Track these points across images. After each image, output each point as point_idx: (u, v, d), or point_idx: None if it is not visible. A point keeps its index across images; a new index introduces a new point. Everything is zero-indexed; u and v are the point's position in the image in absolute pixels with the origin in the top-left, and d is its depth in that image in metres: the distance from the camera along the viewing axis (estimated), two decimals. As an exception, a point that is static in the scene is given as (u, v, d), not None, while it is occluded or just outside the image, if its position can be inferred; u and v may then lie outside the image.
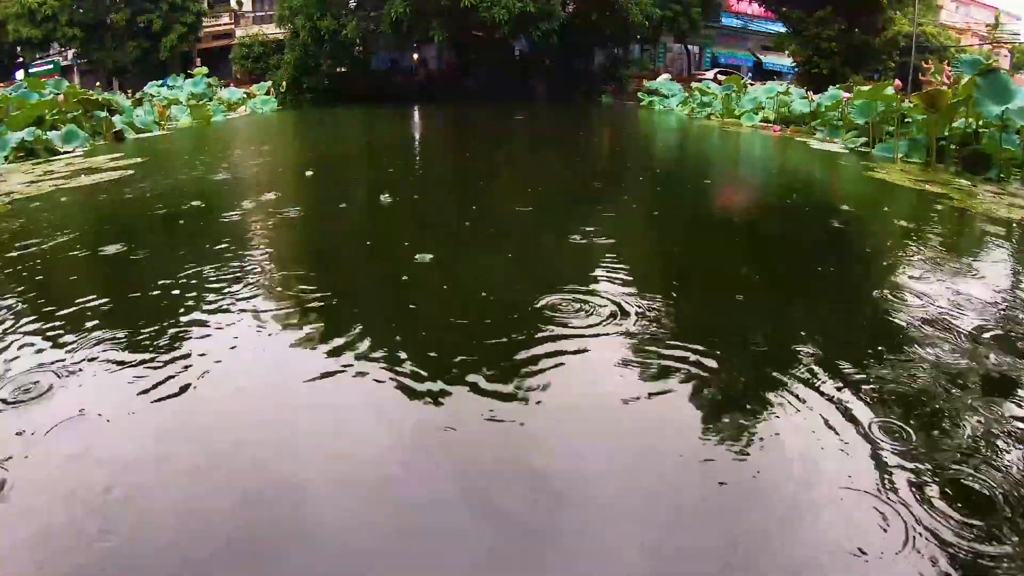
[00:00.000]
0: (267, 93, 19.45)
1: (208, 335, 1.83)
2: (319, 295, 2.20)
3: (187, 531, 1.06)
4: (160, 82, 17.37)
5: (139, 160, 6.39)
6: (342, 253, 2.98)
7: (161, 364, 1.62)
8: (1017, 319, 2.04)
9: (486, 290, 2.26)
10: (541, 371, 1.58)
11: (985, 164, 5.38)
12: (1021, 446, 1.28)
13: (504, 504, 1.12)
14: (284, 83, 21.78)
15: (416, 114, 16.22)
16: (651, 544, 1.03)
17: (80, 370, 1.60)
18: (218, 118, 13.52)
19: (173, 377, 1.56)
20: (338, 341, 1.75)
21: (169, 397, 1.47)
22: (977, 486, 1.15)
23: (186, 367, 1.61)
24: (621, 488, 1.17)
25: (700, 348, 1.71)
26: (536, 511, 1.10)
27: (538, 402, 1.45)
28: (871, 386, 1.51)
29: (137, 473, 1.20)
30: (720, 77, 19.77)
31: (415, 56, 27.03)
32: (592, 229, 3.13)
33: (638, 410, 1.44)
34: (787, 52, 24.28)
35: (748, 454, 1.26)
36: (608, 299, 2.08)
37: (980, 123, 5.67)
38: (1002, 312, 2.09)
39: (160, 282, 2.32)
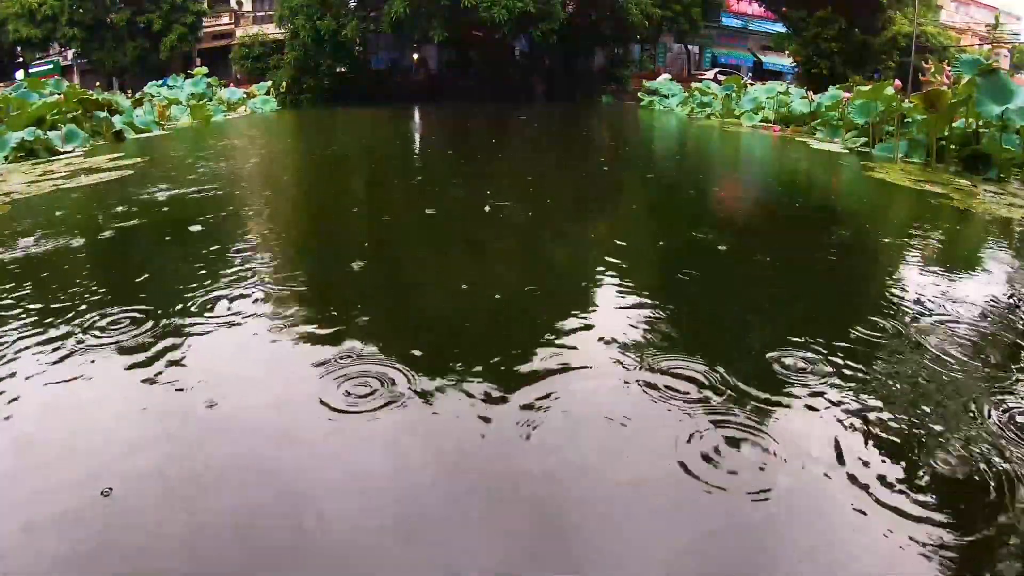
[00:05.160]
0: (267, 93, 19.46)
1: (208, 332, 1.83)
2: (328, 301, 2.20)
3: (179, 536, 1.05)
4: (160, 82, 17.39)
5: (139, 160, 6.39)
6: (347, 254, 2.98)
7: (160, 360, 1.62)
8: (1016, 319, 2.04)
9: (499, 291, 2.26)
10: (542, 364, 1.58)
11: (985, 164, 5.38)
12: (1019, 449, 1.28)
13: (512, 512, 1.11)
14: (284, 83, 21.79)
15: (417, 114, 16.22)
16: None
17: (78, 366, 1.60)
18: (218, 118, 13.51)
19: (170, 374, 1.56)
20: (339, 339, 1.75)
21: (166, 395, 1.47)
22: (981, 492, 1.15)
23: (182, 366, 1.61)
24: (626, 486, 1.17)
25: (700, 347, 1.72)
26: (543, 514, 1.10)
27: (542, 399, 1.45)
28: (872, 387, 1.51)
29: (132, 470, 1.20)
30: (720, 77, 19.78)
31: (415, 56, 27.03)
32: (601, 229, 3.13)
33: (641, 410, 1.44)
34: (787, 52, 24.30)
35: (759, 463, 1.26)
36: (610, 300, 2.08)
37: (980, 123, 5.67)
38: (1001, 312, 2.09)
39: (159, 282, 2.32)
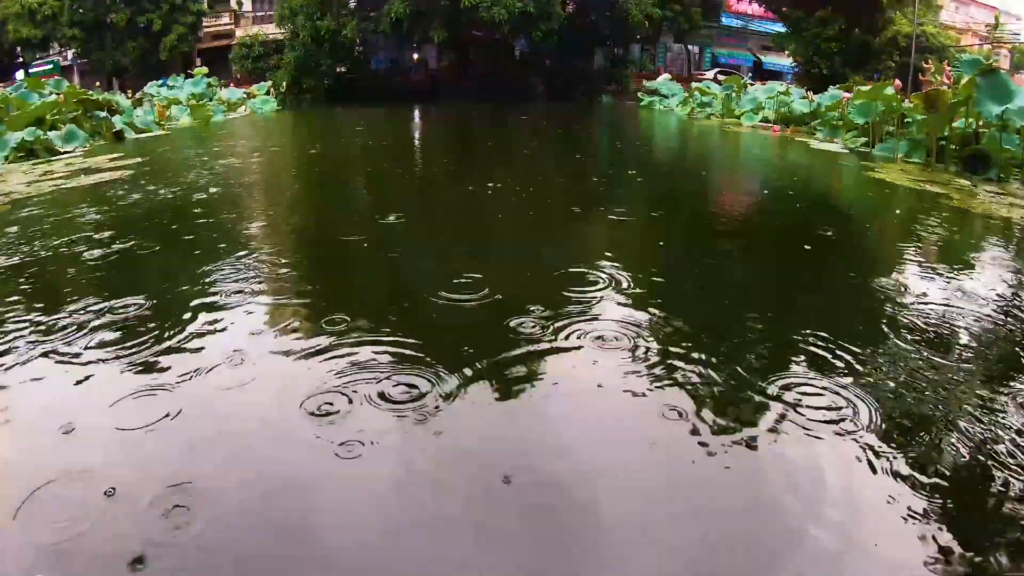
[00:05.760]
0: (267, 93, 19.45)
1: (207, 328, 1.83)
2: (328, 301, 2.20)
3: (180, 535, 1.05)
4: (160, 82, 17.35)
5: (139, 160, 6.39)
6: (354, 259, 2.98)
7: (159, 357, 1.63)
8: (1015, 319, 2.04)
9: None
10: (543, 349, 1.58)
11: (985, 164, 5.38)
12: (1019, 453, 1.28)
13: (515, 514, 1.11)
14: (284, 83, 21.81)
15: (417, 115, 16.22)
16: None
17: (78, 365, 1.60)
18: (218, 118, 13.52)
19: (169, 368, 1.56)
20: (339, 340, 1.75)
21: (166, 394, 1.47)
22: (981, 491, 1.16)
23: (180, 361, 1.62)
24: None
25: (699, 345, 1.72)
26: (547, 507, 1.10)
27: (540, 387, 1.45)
28: (876, 386, 1.51)
29: (134, 470, 1.20)
30: (720, 77, 19.77)
31: (415, 56, 27.04)
32: (603, 230, 3.12)
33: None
34: (787, 52, 24.28)
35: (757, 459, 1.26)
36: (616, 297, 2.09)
37: (980, 123, 5.67)
38: (1000, 312, 2.09)
39: (161, 282, 2.32)
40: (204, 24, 28.99)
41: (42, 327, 1.88)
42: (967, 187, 4.72)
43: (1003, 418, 1.38)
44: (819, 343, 1.75)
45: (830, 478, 1.18)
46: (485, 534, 1.05)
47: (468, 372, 1.56)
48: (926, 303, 2.13)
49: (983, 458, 1.23)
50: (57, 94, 9.30)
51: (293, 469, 1.21)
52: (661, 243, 3.26)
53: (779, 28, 25.87)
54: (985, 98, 5.24)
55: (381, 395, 1.45)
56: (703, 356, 1.66)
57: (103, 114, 9.00)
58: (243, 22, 29.95)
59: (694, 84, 17.27)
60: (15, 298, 2.16)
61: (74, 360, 1.65)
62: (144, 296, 2.15)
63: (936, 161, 5.90)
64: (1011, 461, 1.22)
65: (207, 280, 2.34)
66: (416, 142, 9.88)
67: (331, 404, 1.41)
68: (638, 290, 2.21)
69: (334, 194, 4.94)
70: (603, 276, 2.35)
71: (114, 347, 1.73)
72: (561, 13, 21.45)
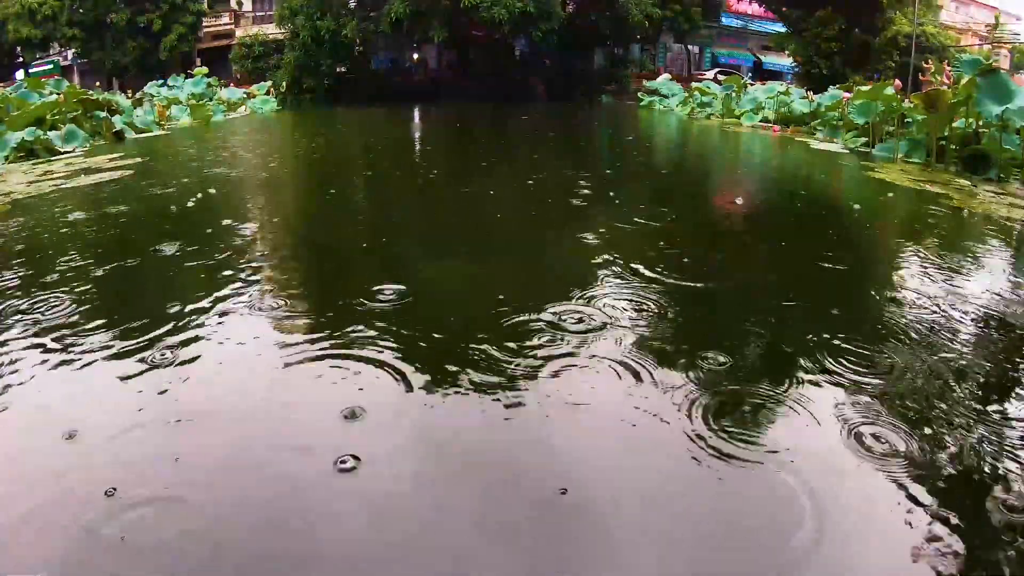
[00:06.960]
0: (267, 93, 19.45)
1: (203, 328, 1.83)
2: (328, 302, 2.20)
3: (173, 529, 1.05)
4: (160, 82, 17.35)
5: (139, 160, 6.39)
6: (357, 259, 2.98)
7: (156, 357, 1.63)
8: (1015, 318, 2.04)
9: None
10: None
11: (985, 164, 5.38)
12: (1017, 451, 1.28)
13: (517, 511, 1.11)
14: (284, 83, 21.82)
15: (417, 115, 16.22)
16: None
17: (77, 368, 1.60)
18: (218, 118, 13.52)
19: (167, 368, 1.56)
20: (339, 342, 1.75)
21: (165, 395, 1.48)
22: (982, 491, 1.16)
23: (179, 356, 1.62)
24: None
25: (700, 345, 1.72)
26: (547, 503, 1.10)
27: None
28: (873, 387, 1.51)
29: (136, 471, 1.20)
30: (720, 77, 19.76)
31: (415, 56, 27.05)
32: (605, 231, 3.13)
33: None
34: (787, 52, 24.28)
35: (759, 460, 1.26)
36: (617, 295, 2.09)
37: (980, 123, 5.67)
38: (1000, 311, 2.09)
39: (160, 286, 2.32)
40: (204, 24, 29.00)
41: (41, 326, 1.88)
42: (967, 187, 4.72)
43: (998, 415, 1.38)
44: (820, 342, 1.75)
45: (832, 478, 1.18)
46: (485, 534, 1.05)
47: (468, 373, 1.56)
48: (926, 302, 2.13)
49: (983, 455, 1.23)
50: (57, 94, 9.30)
51: (293, 469, 1.21)
52: (662, 243, 3.26)
53: (779, 28, 25.88)
54: (985, 98, 5.24)
55: (379, 393, 1.45)
56: (705, 355, 1.66)
57: (103, 114, 8.99)
58: (243, 22, 29.96)
59: (694, 84, 17.26)
60: (14, 297, 2.16)
61: (72, 360, 1.65)
62: (143, 295, 2.16)
63: (936, 161, 5.90)
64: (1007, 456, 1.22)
65: (207, 280, 2.34)
66: (416, 144, 9.87)
67: (333, 404, 1.41)
68: (637, 290, 2.21)
69: (334, 195, 4.94)
70: (603, 275, 2.35)
71: (113, 346, 1.73)
72: (561, 13, 21.45)
